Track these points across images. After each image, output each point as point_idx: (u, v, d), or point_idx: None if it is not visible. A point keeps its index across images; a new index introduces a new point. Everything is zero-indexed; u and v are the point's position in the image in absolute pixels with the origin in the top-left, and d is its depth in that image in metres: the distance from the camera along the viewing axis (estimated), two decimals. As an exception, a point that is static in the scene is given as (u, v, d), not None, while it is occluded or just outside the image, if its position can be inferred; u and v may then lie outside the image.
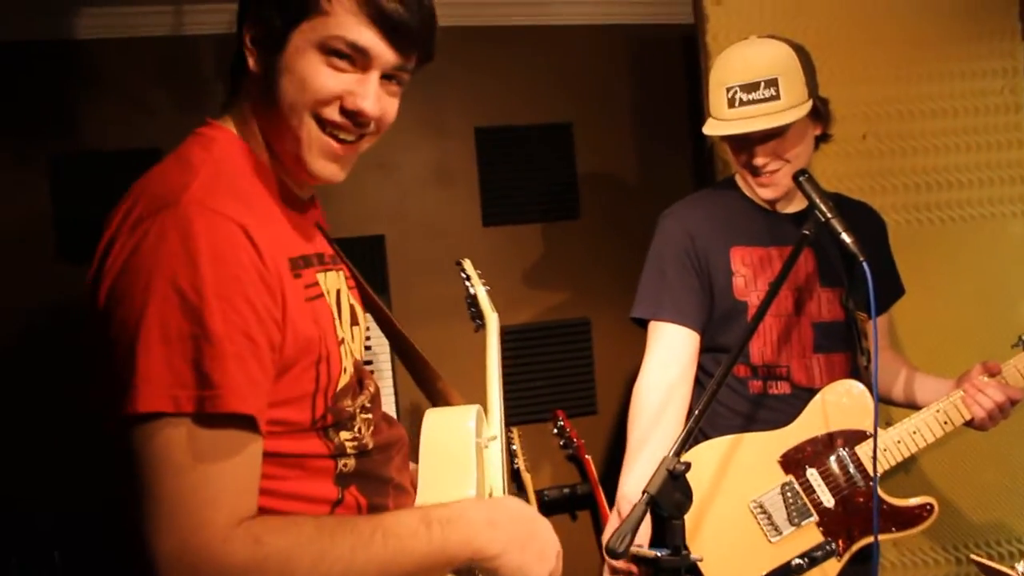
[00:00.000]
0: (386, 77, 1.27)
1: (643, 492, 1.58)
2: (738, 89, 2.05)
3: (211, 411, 1.04)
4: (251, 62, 1.25)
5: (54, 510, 2.83)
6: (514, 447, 3.27)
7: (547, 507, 3.34)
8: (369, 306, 1.60)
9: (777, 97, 2.03)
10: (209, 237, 1.07)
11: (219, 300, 1.05)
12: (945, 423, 2.09)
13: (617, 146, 3.55)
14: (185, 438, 1.04)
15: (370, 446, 1.35)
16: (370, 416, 1.38)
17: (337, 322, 1.32)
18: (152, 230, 1.07)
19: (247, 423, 1.08)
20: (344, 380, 1.29)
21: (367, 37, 1.21)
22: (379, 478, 1.37)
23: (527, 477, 3.23)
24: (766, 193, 2.15)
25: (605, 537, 2.08)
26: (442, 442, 1.45)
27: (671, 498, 1.60)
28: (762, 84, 2.03)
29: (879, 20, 2.89)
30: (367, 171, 3.27)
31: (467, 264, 2.27)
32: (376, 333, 1.76)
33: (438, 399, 1.70)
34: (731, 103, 2.06)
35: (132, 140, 3.02)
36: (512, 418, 3.23)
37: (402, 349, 1.70)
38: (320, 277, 1.32)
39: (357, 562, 1.11)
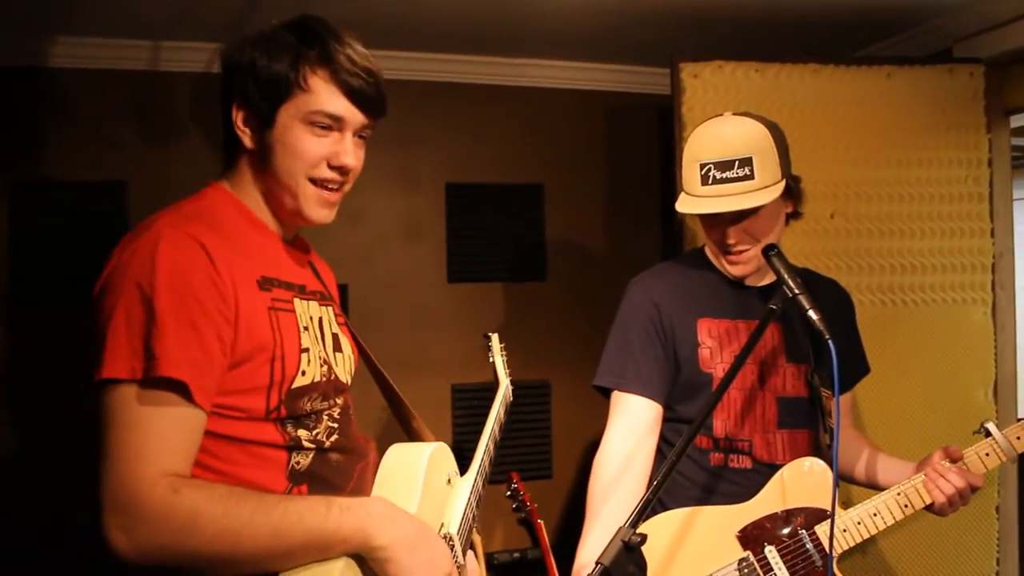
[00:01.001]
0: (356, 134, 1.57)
1: (596, 563, 1.54)
2: (712, 166, 2.04)
3: (151, 376, 1.28)
4: (246, 141, 1.52)
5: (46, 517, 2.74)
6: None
7: (496, 571, 3.27)
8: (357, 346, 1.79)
9: (751, 176, 2.02)
10: (169, 248, 1.34)
11: (168, 294, 1.31)
12: (905, 506, 2.07)
13: (587, 211, 3.57)
14: (131, 399, 1.28)
15: (326, 445, 1.51)
16: (336, 425, 1.55)
17: (304, 335, 1.51)
18: (131, 248, 1.36)
19: (180, 389, 1.29)
20: (302, 381, 1.48)
21: (342, 107, 1.51)
22: (333, 484, 1.50)
23: (477, 539, 3.16)
24: (735, 271, 2.15)
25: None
26: (395, 471, 1.57)
27: (624, 570, 1.56)
28: (736, 163, 2.02)
29: (851, 104, 2.95)
30: (335, 219, 3.24)
31: (494, 338, 2.58)
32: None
33: (413, 436, 1.87)
34: (704, 180, 2.05)
35: (97, 173, 2.97)
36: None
37: (384, 388, 1.87)
38: (297, 302, 1.54)
39: (255, 523, 1.28)
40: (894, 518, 2.07)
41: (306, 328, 1.53)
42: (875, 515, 2.07)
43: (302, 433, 1.48)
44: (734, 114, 2.14)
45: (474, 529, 3.10)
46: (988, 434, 2.10)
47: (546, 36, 3.18)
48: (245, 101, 1.51)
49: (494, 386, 2.36)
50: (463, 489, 1.76)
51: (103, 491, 1.25)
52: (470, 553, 1.80)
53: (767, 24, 3.03)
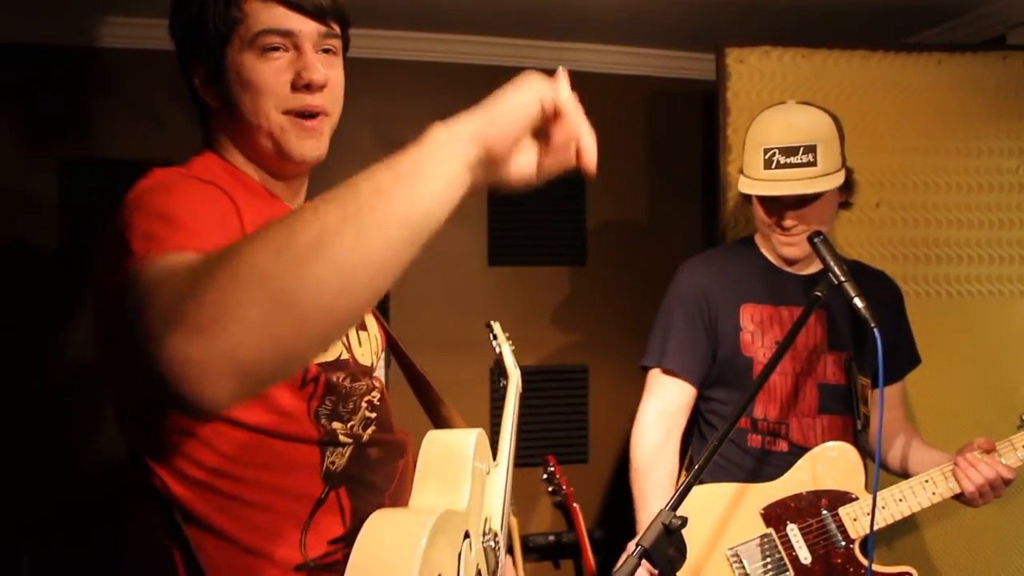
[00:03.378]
0: (322, 51, 1.35)
1: (637, 544, 1.54)
2: (777, 151, 2.08)
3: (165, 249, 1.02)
4: (210, 100, 1.35)
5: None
6: (502, 489, 3.23)
7: (531, 554, 3.29)
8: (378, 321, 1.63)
9: (814, 164, 2.06)
10: (186, 186, 1.19)
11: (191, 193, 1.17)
12: (933, 494, 2.07)
13: (629, 196, 3.55)
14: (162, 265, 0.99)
15: (364, 439, 1.34)
16: (374, 414, 1.38)
17: None
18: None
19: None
20: (328, 355, 1.31)
21: (286, 19, 1.30)
22: (374, 486, 1.33)
23: (512, 521, 3.18)
24: (792, 252, 2.16)
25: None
26: (439, 458, 1.43)
27: (664, 553, 1.56)
28: (801, 149, 2.07)
29: (900, 92, 2.91)
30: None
31: (496, 326, 2.33)
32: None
33: (441, 424, 1.72)
34: (767, 164, 2.09)
35: (143, 151, 3.01)
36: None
37: (408, 371, 1.71)
38: None
39: (362, 215, 0.89)
40: (920, 505, 2.07)
41: None
42: (900, 501, 2.07)
43: (337, 426, 1.31)
44: (797, 102, 2.18)
45: (511, 513, 3.12)
46: None
47: (590, 20, 3.16)
48: (195, 58, 1.34)
49: (502, 379, 2.18)
50: (499, 482, 1.67)
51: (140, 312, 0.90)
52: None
53: (814, 9, 3.00)
